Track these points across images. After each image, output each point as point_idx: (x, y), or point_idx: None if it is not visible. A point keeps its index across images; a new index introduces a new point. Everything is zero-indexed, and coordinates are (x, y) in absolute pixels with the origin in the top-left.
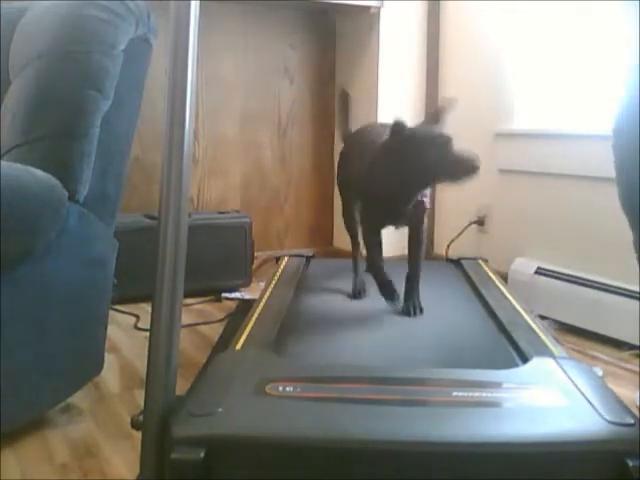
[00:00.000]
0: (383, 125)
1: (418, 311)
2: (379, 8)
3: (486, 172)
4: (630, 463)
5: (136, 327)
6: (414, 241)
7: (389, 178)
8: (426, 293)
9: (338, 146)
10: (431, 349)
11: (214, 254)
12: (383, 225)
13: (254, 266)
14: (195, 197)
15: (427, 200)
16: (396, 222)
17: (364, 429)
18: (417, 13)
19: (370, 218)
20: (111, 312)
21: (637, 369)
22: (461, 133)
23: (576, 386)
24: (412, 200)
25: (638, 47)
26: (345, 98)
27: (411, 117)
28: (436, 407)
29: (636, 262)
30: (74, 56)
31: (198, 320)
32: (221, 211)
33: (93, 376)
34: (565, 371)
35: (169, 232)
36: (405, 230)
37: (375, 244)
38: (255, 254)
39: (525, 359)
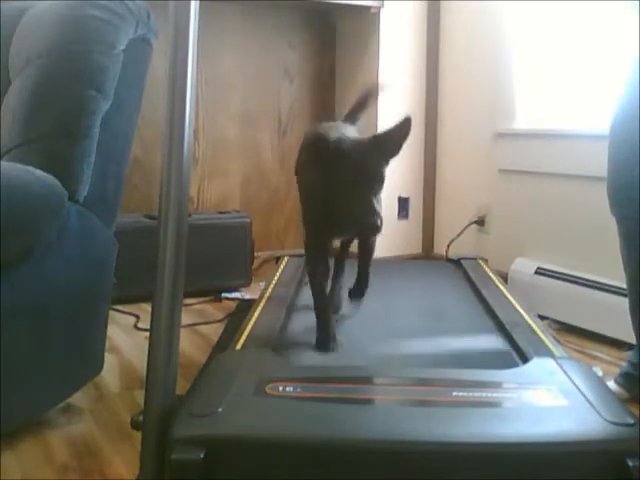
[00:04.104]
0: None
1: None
2: (379, 8)
3: (486, 172)
4: (630, 463)
5: (136, 327)
6: (363, 251)
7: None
8: (426, 293)
9: None
10: (431, 349)
11: (214, 254)
12: (328, 237)
13: (254, 266)
14: (195, 197)
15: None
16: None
17: (364, 429)
18: (417, 13)
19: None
20: (111, 312)
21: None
22: (461, 133)
23: (576, 386)
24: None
25: (639, 46)
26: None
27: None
28: (436, 407)
29: None
30: (74, 56)
31: (198, 320)
32: (221, 211)
33: (93, 376)
34: (565, 371)
35: (169, 232)
36: (403, 233)
37: (321, 270)
38: (255, 254)
39: (525, 359)
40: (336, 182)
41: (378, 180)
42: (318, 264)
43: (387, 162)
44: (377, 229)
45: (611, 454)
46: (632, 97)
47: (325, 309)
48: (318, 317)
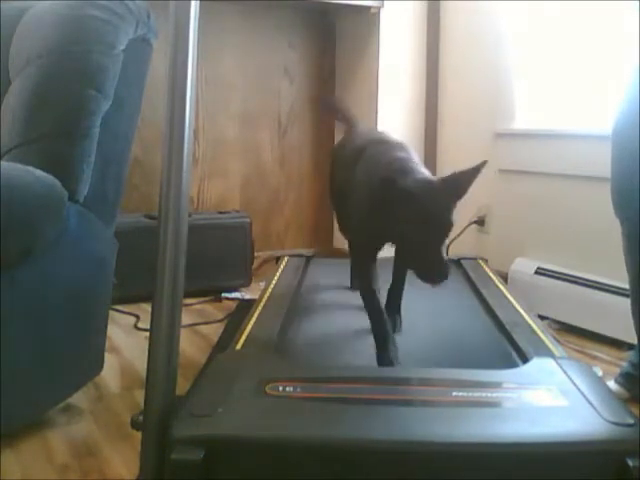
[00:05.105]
0: (368, 131)
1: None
2: (379, 8)
3: (486, 172)
4: (630, 463)
5: (136, 327)
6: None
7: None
8: (426, 293)
9: None
10: (431, 349)
11: (214, 254)
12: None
13: (254, 266)
14: (195, 197)
15: None
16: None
17: (364, 429)
18: (417, 13)
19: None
20: (111, 312)
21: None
22: (461, 133)
23: (576, 386)
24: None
25: (639, 50)
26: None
27: (411, 118)
28: (436, 407)
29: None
30: (74, 56)
31: (198, 320)
32: (221, 211)
33: (93, 376)
34: (565, 371)
35: (169, 232)
36: None
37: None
38: (255, 254)
39: (525, 359)
40: (405, 227)
41: (448, 227)
42: (369, 278)
43: (455, 205)
44: (445, 279)
45: (611, 454)
46: (632, 105)
47: (383, 324)
48: (375, 332)
